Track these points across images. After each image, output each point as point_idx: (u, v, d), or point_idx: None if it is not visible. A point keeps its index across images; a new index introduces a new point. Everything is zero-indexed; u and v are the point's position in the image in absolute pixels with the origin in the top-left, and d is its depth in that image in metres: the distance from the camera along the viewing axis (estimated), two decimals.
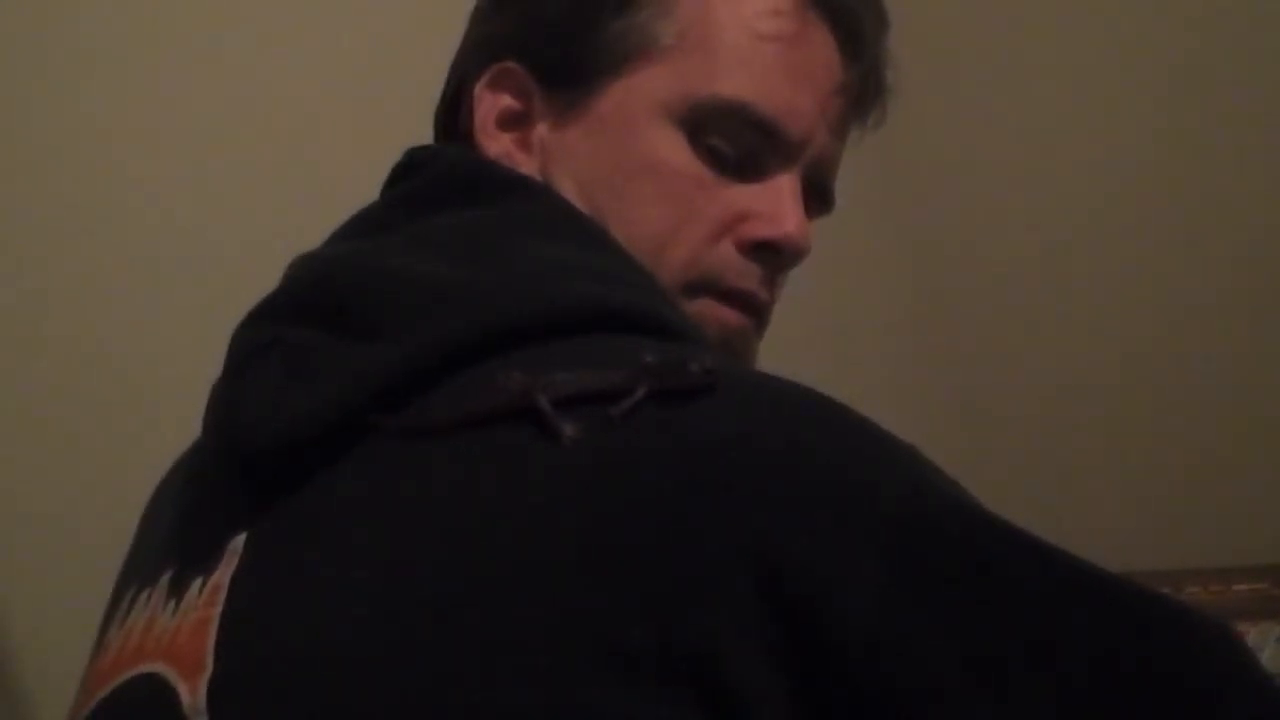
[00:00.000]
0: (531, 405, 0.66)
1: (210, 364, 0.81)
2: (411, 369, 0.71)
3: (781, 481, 0.62)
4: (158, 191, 1.45)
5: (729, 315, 0.90)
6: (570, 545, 0.62)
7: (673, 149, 0.87)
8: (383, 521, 0.68)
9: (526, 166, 0.89)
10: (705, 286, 0.89)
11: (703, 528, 0.61)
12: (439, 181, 0.86)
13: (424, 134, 0.97)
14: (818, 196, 0.94)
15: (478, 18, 0.96)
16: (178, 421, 0.87)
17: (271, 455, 0.72)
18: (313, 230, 0.88)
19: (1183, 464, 1.95)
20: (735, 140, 0.88)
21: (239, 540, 0.74)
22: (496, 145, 0.90)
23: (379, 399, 0.71)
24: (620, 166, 0.87)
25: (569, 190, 0.87)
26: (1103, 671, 0.59)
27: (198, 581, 0.74)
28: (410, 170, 0.89)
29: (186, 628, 0.72)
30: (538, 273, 0.76)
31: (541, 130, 0.90)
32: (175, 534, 0.83)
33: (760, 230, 0.89)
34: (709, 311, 0.89)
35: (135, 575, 0.86)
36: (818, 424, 0.66)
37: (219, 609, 0.71)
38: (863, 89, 0.94)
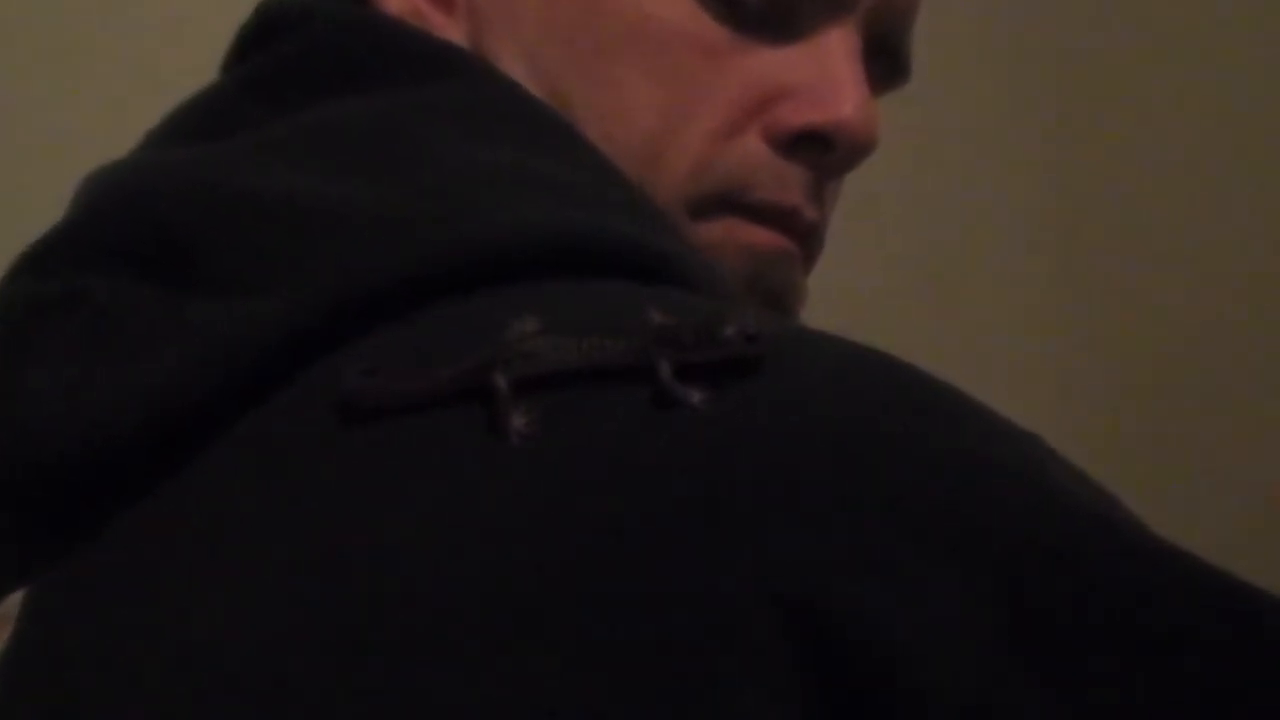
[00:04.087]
0: (486, 386, 0.49)
1: None
2: (294, 334, 0.52)
3: (838, 492, 0.46)
4: None
5: (761, 236, 0.66)
6: (528, 593, 0.46)
7: None
8: (244, 563, 0.49)
9: (448, 32, 0.65)
10: (723, 201, 0.65)
11: (719, 565, 0.45)
12: (315, 53, 0.63)
13: None
14: (885, 59, 0.70)
15: None
16: None
17: (72, 469, 0.53)
18: None
19: None
20: None
21: (7, 606, 0.55)
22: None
23: (244, 378, 0.52)
24: (590, 30, 0.65)
25: (515, 67, 0.64)
26: None
27: None
28: (268, 37, 0.65)
29: None
30: (476, 188, 0.56)
31: None
32: None
33: (802, 114, 0.65)
34: (732, 234, 0.65)
35: None
36: (901, 411, 0.49)
37: None
38: None
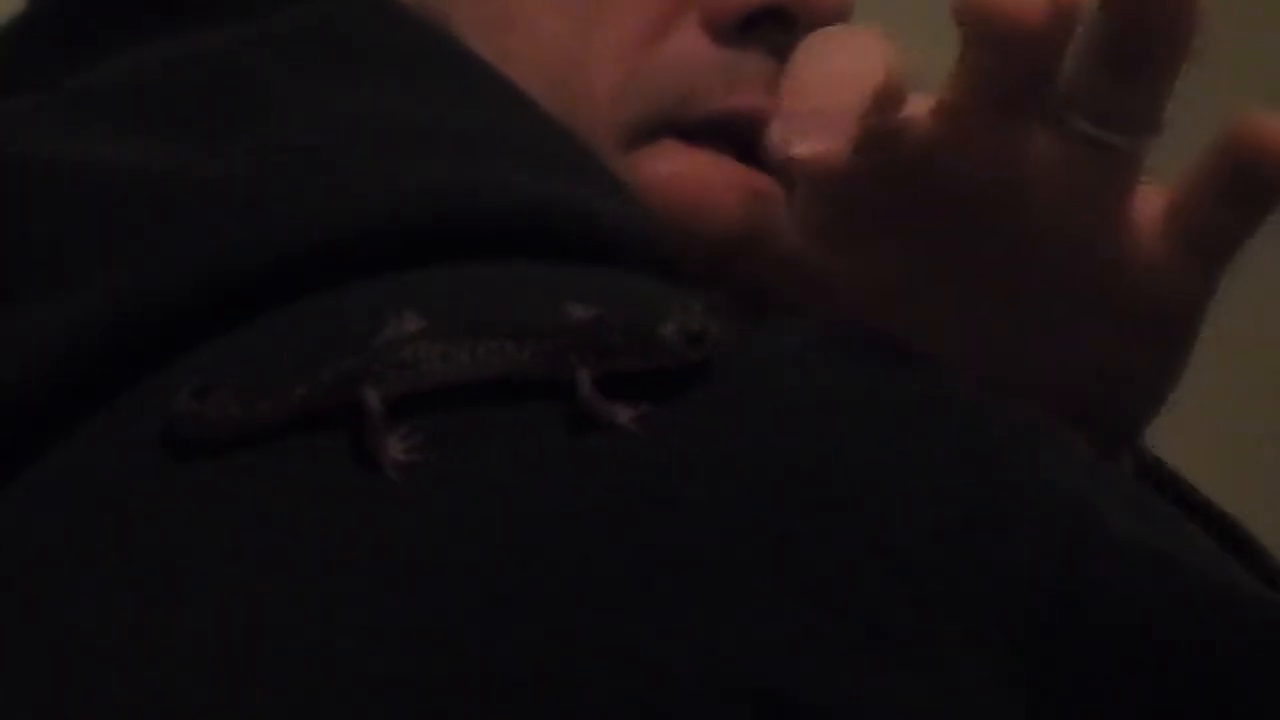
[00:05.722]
0: (353, 404, 0.40)
1: None
2: (91, 346, 0.42)
3: (805, 542, 0.38)
4: None
5: (720, 172, 0.52)
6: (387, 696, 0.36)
7: None
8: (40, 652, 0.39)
9: None
10: (663, 121, 0.53)
11: (651, 652, 0.36)
12: None
13: None
14: None
15: None
16: None
17: None
18: None
19: None
20: None
21: None
22: None
23: (33, 410, 0.42)
24: None
25: None
26: None
27: None
28: None
29: None
30: (338, 145, 0.45)
31: None
32: None
33: None
34: (673, 165, 0.52)
35: None
36: (886, 428, 0.40)
37: None
38: None
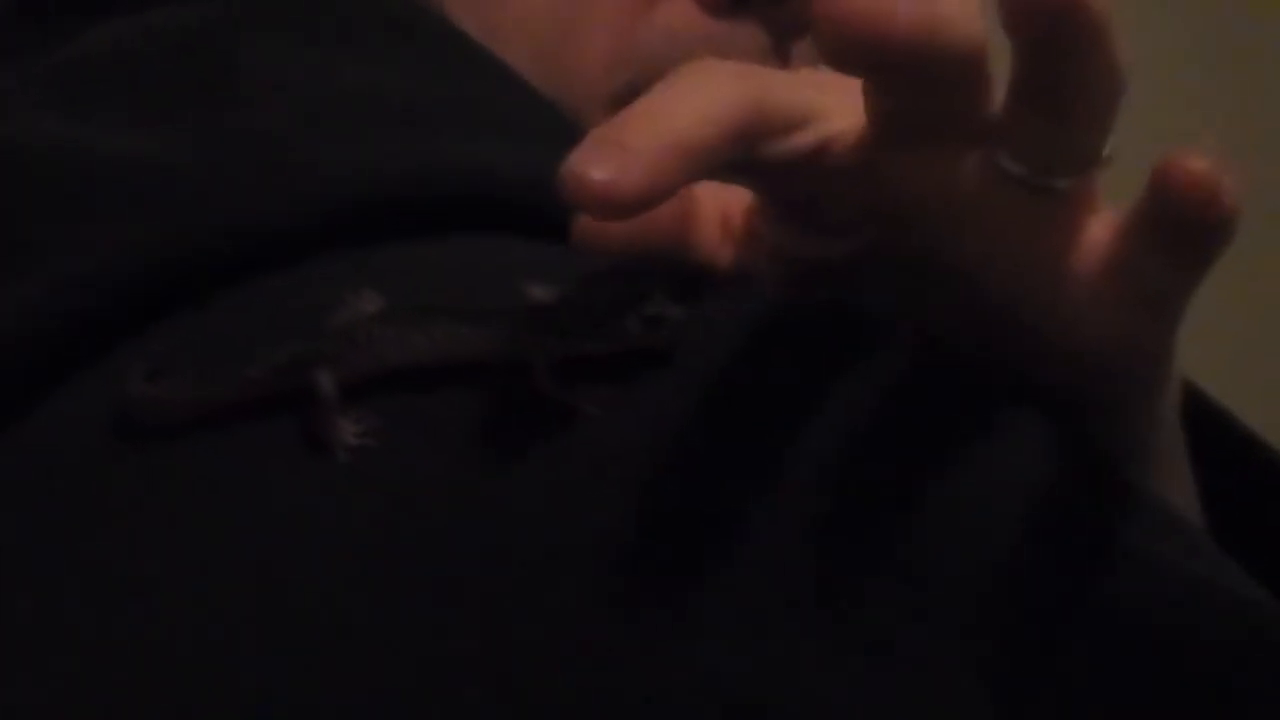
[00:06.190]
0: (306, 387, 0.39)
1: None
2: (44, 328, 0.41)
3: (787, 540, 0.37)
4: None
5: None
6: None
7: None
8: None
9: None
10: None
11: (616, 641, 0.35)
12: None
13: None
14: None
15: None
16: None
17: None
18: None
19: None
20: None
21: None
22: None
23: None
24: None
25: None
26: None
27: None
28: None
29: None
30: (309, 120, 0.45)
31: None
32: None
33: None
34: None
35: None
36: (852, 412, 0.39)
37: None
38: None
